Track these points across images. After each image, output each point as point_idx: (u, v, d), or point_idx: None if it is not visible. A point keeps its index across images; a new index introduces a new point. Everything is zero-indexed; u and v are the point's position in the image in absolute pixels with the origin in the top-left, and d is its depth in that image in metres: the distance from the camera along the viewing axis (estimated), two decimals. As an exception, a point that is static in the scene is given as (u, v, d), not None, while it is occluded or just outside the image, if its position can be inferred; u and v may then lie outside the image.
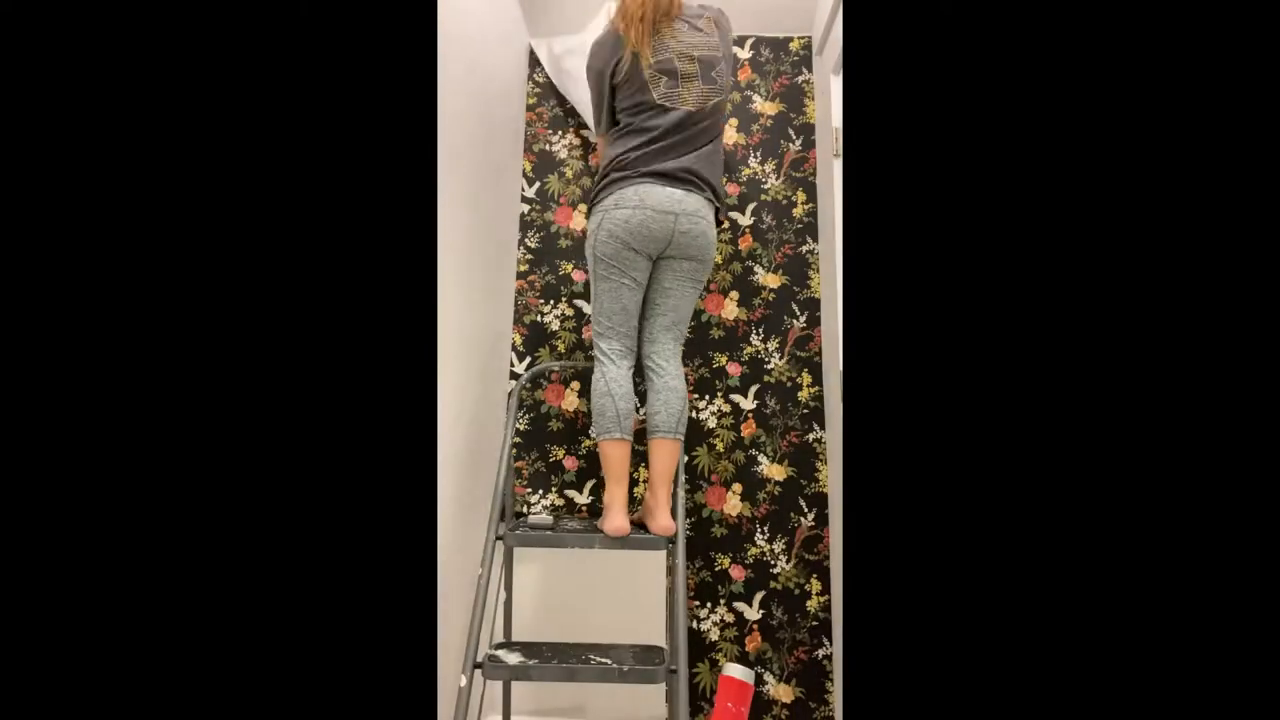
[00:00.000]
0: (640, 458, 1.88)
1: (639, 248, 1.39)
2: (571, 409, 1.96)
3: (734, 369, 1.95)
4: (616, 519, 1.36)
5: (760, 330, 1.97)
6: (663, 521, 1.37)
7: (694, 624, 1.80)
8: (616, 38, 1.44)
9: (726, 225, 2.03)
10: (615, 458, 1.39)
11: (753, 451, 1.90)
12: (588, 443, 1.93)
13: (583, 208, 2.08)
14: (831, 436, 1.84)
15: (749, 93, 2.13)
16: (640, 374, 1.53)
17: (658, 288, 1.46)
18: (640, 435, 1.75)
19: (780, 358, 1.96)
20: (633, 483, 1.89)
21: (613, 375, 1.41)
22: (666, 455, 1.40)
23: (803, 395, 1.93)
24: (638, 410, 1.81)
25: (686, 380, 1.93)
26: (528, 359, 1.99)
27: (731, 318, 1.99)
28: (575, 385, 1.98)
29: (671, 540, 1.38)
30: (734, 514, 1.86)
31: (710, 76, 1.44)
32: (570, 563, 1.79)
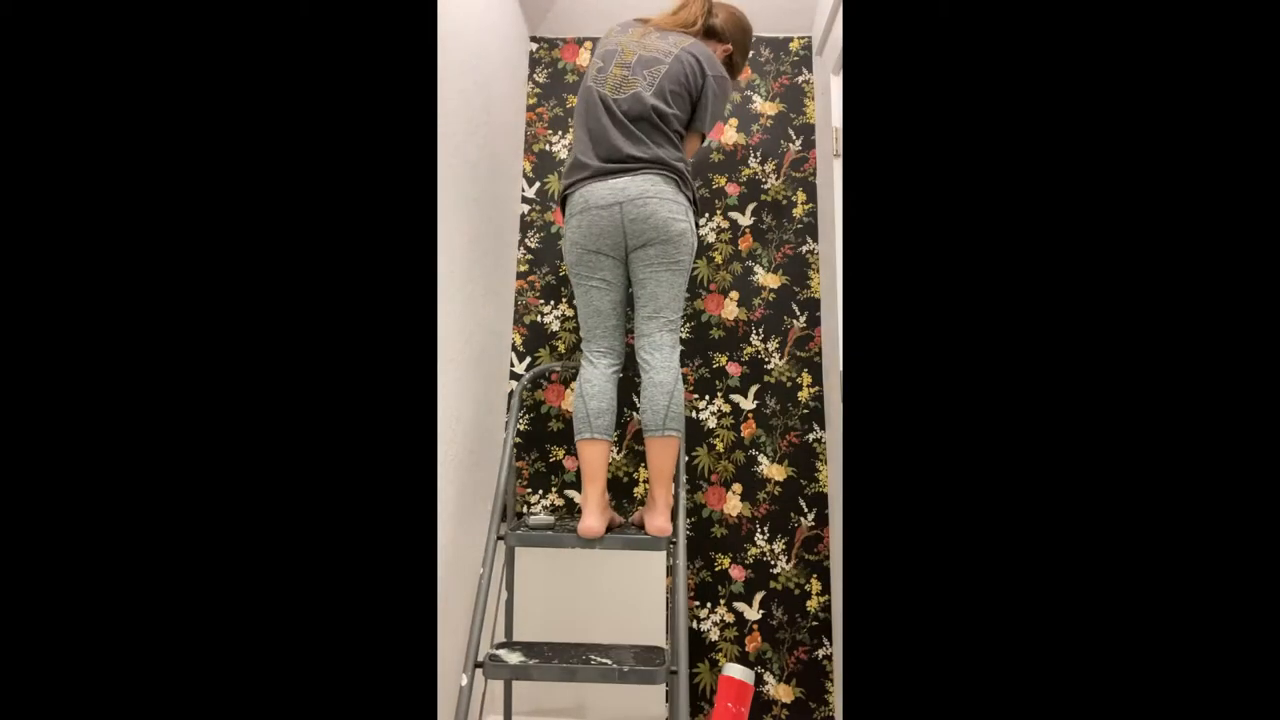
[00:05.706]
0: (640, 457, 1.89)
1: (596, 248, 1.40)
2: (571, 409, 1.96)
3: (734, 369, 1.95)
4: (588, 519, 1.36)
5: (760, 330, 1.97)
6: (657, 522, 1.37)
7: (694, 624, 1.80)
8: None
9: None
10: (587, 458, 1.41)
11: (753, 451, 1.90)
12: (588, 443, 1.93)
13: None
14: (831, 436, 1.84)
15: (749, 93, 2.13)
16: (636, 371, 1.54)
17: (635, 281, 1.44)
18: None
19: (780, 358, 1.96)
20: (633, 483, 1.89)
21: (587, 376, 1.44)
22: (659, 452, 1.40)
23: (803, 395, 1.93)
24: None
25: (686, 380, 1.94)
26: (528, 359, 1.99)
27: (731, 318, 1.99)
28: (576, 386, 1.98)
29: (672, 540, 1.38)
30: (734, 514, 1.86)
31: (645, 75, 1.42)
32: (571, 563, 1.79)
